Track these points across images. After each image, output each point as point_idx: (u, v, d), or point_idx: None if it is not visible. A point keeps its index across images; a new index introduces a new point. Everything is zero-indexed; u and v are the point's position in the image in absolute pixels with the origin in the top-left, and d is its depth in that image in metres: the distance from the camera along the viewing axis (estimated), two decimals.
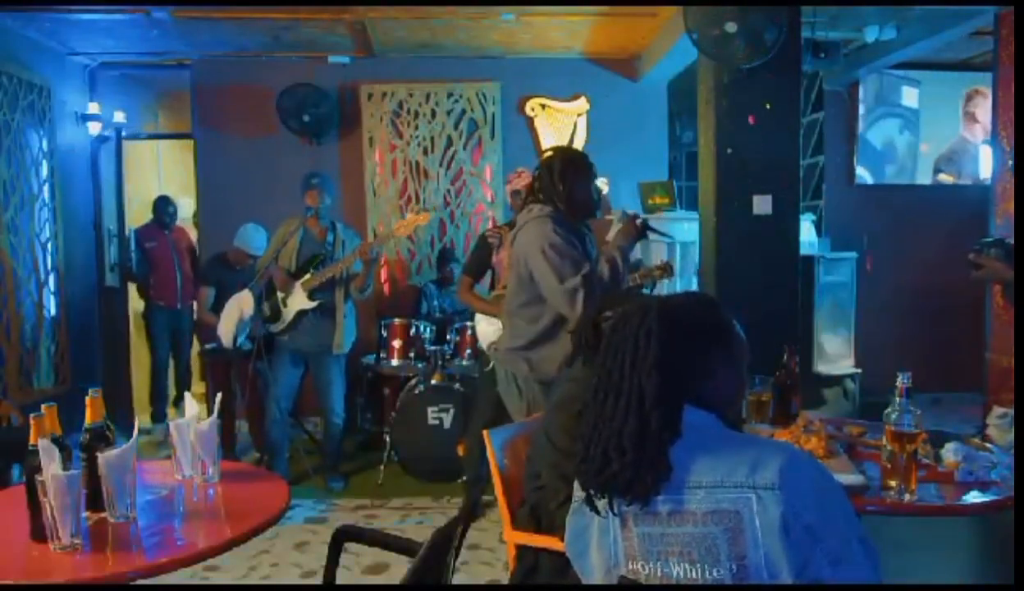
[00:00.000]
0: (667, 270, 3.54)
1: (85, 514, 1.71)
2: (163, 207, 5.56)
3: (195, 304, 5.39)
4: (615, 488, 1.24)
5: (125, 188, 5.81)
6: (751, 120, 3.81)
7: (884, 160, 6.06)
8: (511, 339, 2.82)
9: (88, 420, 1.80)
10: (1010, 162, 4.05)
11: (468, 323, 4.39)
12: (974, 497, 1.85)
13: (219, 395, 2.26)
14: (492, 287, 3.97)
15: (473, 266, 3.98)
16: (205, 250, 5.60)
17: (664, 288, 4.21)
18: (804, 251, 4.48)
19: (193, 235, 5.86)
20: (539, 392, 2.77)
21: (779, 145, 3.90)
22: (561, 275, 2.56)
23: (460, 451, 4.14)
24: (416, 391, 4.39)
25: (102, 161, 5.67)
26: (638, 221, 2.80)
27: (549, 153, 2.86)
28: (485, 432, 2.30)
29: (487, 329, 3.83)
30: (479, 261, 3.92)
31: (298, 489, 3.84)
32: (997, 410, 3.59)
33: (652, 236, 2.90)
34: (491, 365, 3.79)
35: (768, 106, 3.83)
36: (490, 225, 5.09)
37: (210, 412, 2.06)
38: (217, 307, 4.59)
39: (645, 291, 3.58)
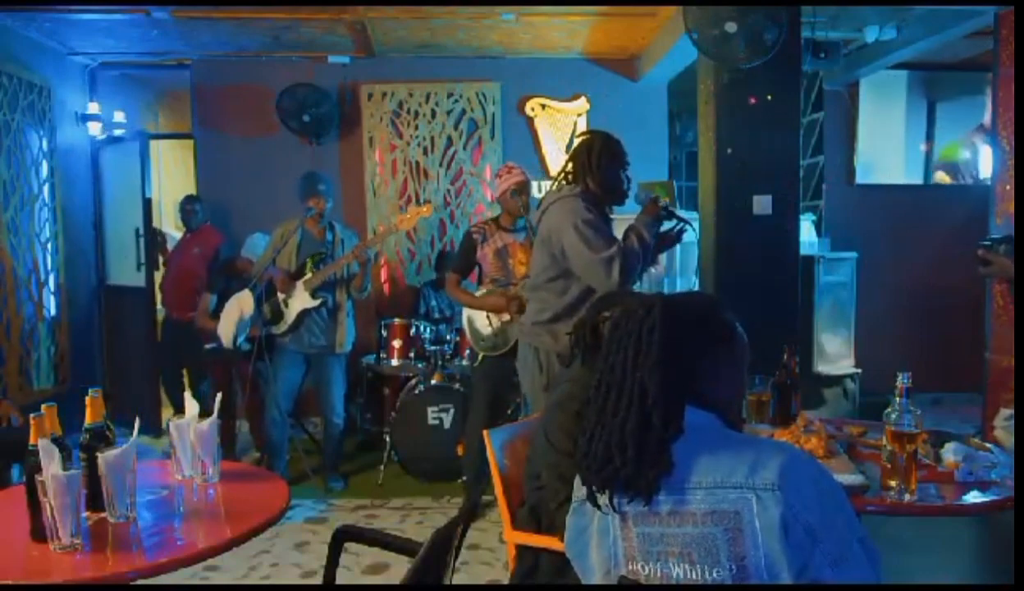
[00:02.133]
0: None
1: (85, 514, 1.71)
2: (183, 206, 5.19)
3: (191, 319, 5.03)
4: (617, 485, 1.24)
5: (152, 187, 5.58)
6: (752, 100, 3.80)
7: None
8: (537, 313, 2.87)
9: (88, 420, 1.80)
10: (1010, 162, 4.05)
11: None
12: (974, 497, 1.84)
13: (219, 395, 2.25)
14: (479, 282, 3.97)
15: (459, 262, 3.97)
16: None
17: (654, 280, 4.22)
18: (804, 251, 4.48)
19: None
20: (560, 368, 2.80)
21: (779, 145, 3.90)
22: (596, 246, 2.62)
23: (460, 451, 4.15)
24: (416, 391, 4.39)
25: (121, 161, 5.54)
26: (660, 202, 2.83)
27: (587, 135, 2.92)
28: (485, 432, 2.30)
29: (483, 321, 3.83)
30: (465, 257, 3.92)
31: (298, 489, 3.85)
32: (1004, 412, 3.56)
33: (673, 220, 2.92)
34: (481, 360, 3.82)
35: (769, 97, 3.82)
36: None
37: (210, 412, 2.06)
38: (219, 312, 4.57)
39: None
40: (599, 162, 2.78)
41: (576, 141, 2.92)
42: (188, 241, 5.20)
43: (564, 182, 2.87)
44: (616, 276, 2.60)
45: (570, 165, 2.85)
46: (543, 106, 5.61)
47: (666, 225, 2.89)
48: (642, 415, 1.22)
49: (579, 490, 1.36)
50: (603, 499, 1.27)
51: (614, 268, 2.59)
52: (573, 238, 2.66)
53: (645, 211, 2.82)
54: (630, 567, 1.28)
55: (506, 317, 3.72)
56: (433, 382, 4.40)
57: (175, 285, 5.15)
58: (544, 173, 5.51)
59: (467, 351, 4.45)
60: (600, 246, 2.62)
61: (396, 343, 4.58)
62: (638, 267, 2.70)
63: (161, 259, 5.46)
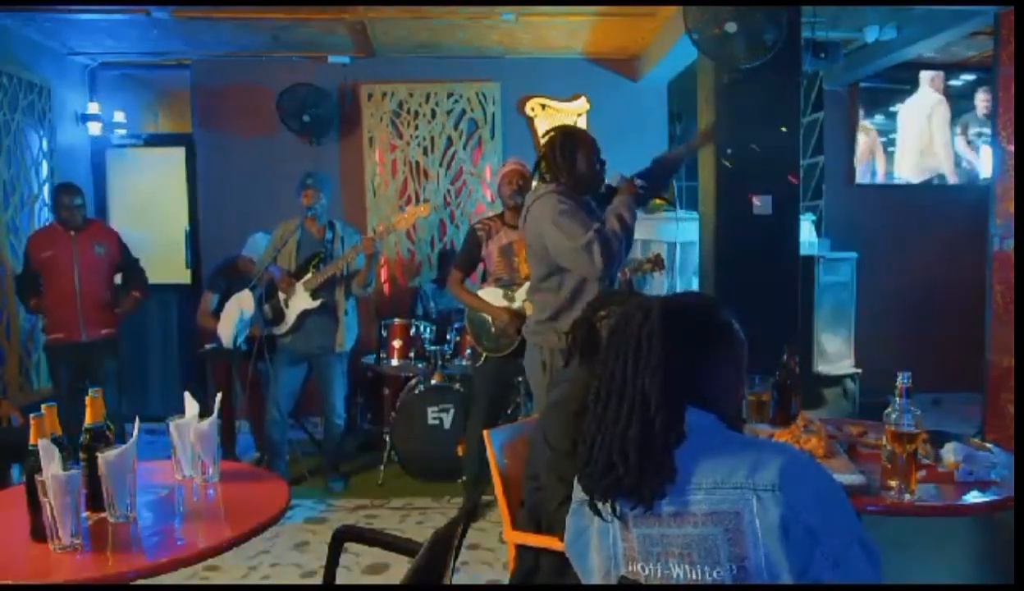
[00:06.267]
0: (658, 262, 3.56)
1: (85, 514, 1.71)
2: (61, 198, 4.20)
3: (106, 336, 4.30)
4: (620, 493, 1.24)
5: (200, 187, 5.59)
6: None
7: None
8: (539, 312, 2.92)
9: (88, 420, 1.80)
10: (1010, 162, 4.05)
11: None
12: (974, 497, 1.84)
13: (219, 395, 2.25)
14: (484, 279, 3.95)
15: (463, 260, 3.93)
16: (203, 251, 5.60)
17: (655, 282, 4.22)
18: (804, 251, 4.48)
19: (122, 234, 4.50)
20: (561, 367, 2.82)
21: (779, 145, 3.90)
22: (573, 235, 2.66)
23: (460, 451, 4.14)
24: (416, 391, 4.39)
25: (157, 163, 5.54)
26: (636, 181, 2.86)
27: (550, 134, 2.95)
28: (485, 432, 2.30)
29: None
30: (469, 254, 3.89)
31: (298, 489, 3.85)
32: None
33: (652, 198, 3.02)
34: (484, 361, 3.81)
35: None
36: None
37: (210, 412, 2.06)
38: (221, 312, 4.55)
39: (637, 285, 3.59)
40: (564, 156, 2.82)
41: (542, 142, 2.97)
42: (81, 241, 4.21)
43: (542, 181, 2.91)
44: (598, 259, 2.63)
45: (543, 164, 2.90)
46: (543, 106, 5.61)
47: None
48: (644, 421, 1.22)
49: (579, 491, 1.36)
50: (605, 507, 1.26)
51: (594, 252, 2.63)
52: (552, 232, 2.71)
53: (622, 191, 2.86)
54: (630, 568, 1.28)
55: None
56: (433, 382, 4.40)
57: (83, 299, 4.17)
58: None
59: (467, 351, 4.44)
60: (577, 234, 2.66)
61: (396, 343, 4.57)
62: (621, 247, 2.73)
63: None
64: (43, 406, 1.71)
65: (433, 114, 5.54)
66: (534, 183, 3.01)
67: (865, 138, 6.03)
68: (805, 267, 4.55)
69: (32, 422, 1.67)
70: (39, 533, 1.62)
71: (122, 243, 4.42)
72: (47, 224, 4.54)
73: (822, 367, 4.87)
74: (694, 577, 1.21)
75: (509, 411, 4.20)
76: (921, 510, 1.83)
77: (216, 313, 4.61)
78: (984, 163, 5.91)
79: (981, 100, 6.02)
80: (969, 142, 6.11)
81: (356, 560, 3.28)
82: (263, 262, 4.19)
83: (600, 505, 1.27)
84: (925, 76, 5.95)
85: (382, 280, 5.59)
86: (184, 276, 5.70)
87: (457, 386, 4.38)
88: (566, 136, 2.88)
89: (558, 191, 2.78)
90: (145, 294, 4.43)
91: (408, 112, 5.55)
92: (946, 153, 6.07)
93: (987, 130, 6.02)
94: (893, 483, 1.79)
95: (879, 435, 1.95)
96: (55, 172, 5.08)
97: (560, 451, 1.91)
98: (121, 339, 4.46)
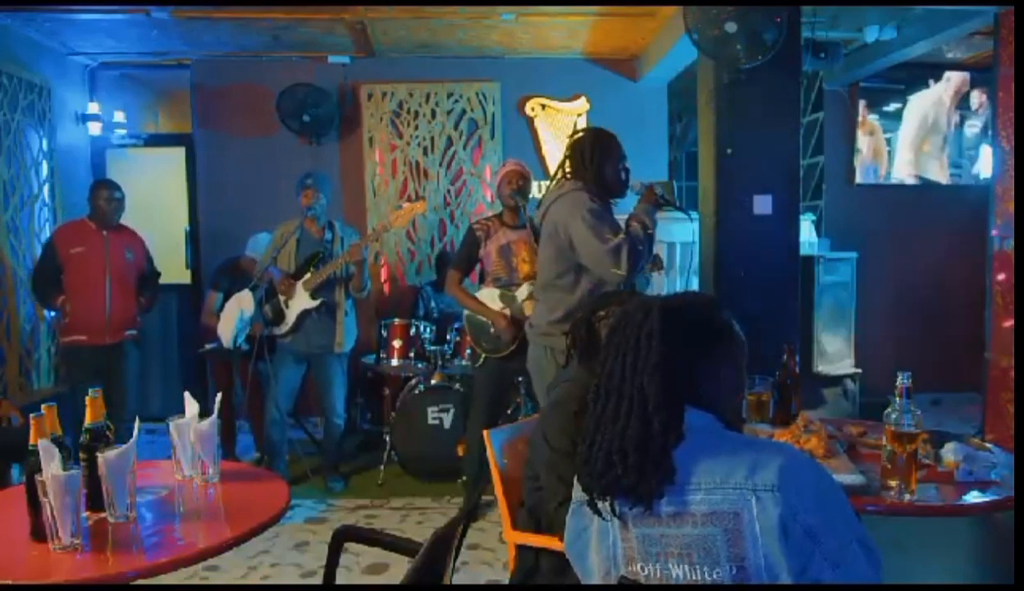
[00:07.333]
0: (657, 264, 3.56)
1: (85, 514, 1.71)
2: (101, 192, 4.09)
3: (129, 337, 4.19)
4: (619, 492, 1.24)
5: (200, 187, 5.57)
6: None
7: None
8: (550, 312, 2.86)
9: (88, 420, 1.80)
10: (1010, 162, 4.05)
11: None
12: (974, 497, 1.84)
13: (219, 395, 2.25)
14: (481, 280, 3.94)
15: (461, 259, 3.89)
16: (203, 251, 5.60)
17: (655, 282, 4.21)
18: (804, 251, 4.48)
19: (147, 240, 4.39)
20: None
21: (779, 145, 3.90)
22: (603, 236, 2.64)
23: (460, 451, 4.14)
24: (416, 391, 4.39)
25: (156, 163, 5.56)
26: (657, 190, 2.85)
27: (578, 134, 2.93)
28: (485, 432, 2.30)
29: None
30: (467, 254, 3.85)
31: (298, 489, 3.85)
32: None
33: (670, 207, 2.97)
34: (483, 361, 3.81)
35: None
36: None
37: (210, 412, 2.06)
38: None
39: (639, 285, 3.59)
40: (592, 159, 2.80)
41: (569, 140, 2.93)
42: (113, 242, 4.11)
43: (564, 179, 2.88)
44: (624, 265, 2.62)
45: (567, 164, 2.87)
46: (543, 106, 5.62)
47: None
48: (642, 421, 1.22)
49: (578, 491, 1.36)
50: (604, 506, 1.26)
51: (622, 257, 2.62)
52: (581, 229, 2.67)
53: (643, 199, 2.85)
54: (630, 568, 1.28)
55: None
56: (433, 382, 4.40)
57: (112, 301, 4.07)
58: (544, 173, 5.51)
59: (467, 351, 4.44)
60: (608, 236, 2.64)
61: (396, 343, 4.57)
62: (644, 254, 2.72)
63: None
64: (43, 406, 1.71)
65: (433, 114, 5.55)
66: (544, 184, 3.00)
67: (870, 138, 6.02)
68: (805, 267, 4.56)
69: (32, 422, 1.67)
70: (39, 533, 1.62)
71: (148, 252, 4.34)
72: (75, 219, 4.27)
73: (822, 367, 4.87)
74: (694, 577, 1.21)
75: (509, 411, 4.19)
76: (921, 510, 1.83)
77: (220, 313, 4.60)
78: (983, 163, 5.91)
79: (975, 99, 6.03)
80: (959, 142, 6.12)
81: (356, 560, 3.29)
82: (263, 263, 4.19)
83: (599, 504, 1.27)
84: (954, 77, 5.96)
85: (382, 280, 5.60)
86: (184, 276, 5.70)
87: (457, 386, 4.38)
88: (596, 138, 2.85)
89: (587, 189, 2.75)
90: (151, 303, 4.33)
91: (408, 112, 5.55)
92: (940, 155, 6.06)
93: (975, 126, 6.04)
94: (893, 483, 1.79)
95: (879, 435, 1.95)
96: (55, 172, 5.08)
97: (560, 451, 1.91)
98: (144, 335, 4.42)
